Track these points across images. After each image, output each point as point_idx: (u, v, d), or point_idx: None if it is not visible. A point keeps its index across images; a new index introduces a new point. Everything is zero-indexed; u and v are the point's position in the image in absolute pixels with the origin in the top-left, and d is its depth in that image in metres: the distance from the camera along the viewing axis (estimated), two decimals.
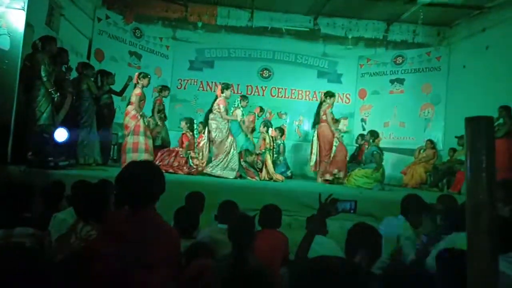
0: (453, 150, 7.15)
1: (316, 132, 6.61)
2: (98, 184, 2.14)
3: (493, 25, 7.15)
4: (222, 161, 5.66)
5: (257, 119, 7.13)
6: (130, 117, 5.69)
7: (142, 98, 5.80)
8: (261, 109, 7.45)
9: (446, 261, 2.04)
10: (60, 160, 4.40)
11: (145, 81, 5.85)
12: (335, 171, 6.33)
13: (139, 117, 5.71)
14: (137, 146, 5.62)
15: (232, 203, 2.90)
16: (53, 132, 4.47)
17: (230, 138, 5.80)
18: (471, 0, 7.03)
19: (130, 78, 6.25)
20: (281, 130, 7.73)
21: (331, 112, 6.46)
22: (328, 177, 6.35)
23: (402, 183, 7.43)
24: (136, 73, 6.04)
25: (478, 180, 1.67)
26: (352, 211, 2.03)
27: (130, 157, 5.53)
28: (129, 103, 5.83)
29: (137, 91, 5.79)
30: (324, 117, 6.43)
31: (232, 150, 5.71)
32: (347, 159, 6.64)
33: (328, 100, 6.51)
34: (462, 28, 8.14)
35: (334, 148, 6.39)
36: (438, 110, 8.39)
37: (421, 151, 7.60)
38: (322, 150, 6.44)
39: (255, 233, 2.17)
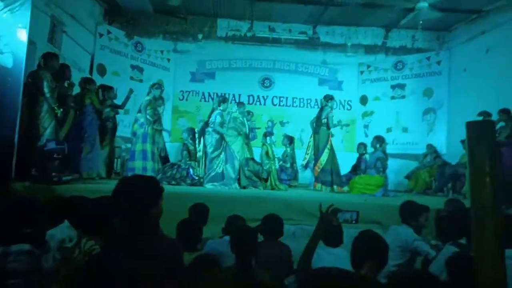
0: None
1: (313, 135, 6.59)
2: (98, 199, 2.15)
3: (492, 28, 7.18)
4: (217, 176, 5.70)
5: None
6: (139, 124, 5.82)
7: (150, 106, 5.91)
8: (248, 113, 7.34)
9: (457, 266, 2.02)
10: (64, 175, 4.41)
11: (156, 92, 6.04)
12: (318, 185, 6.24)
13: (147, 123, 5.83)
14: (146, 154, 5.71)
15: (239, 217, 2.90)
16: (56, 147, 4.49)
17: (225, 152, 5.81)
18: (469, 4, 7.07)
19: (131, 91, 6.33)
20: (290, 138, 7.72)
21: (332, 116, 6.43)
22: (318, 187, 6.29)
23: (407, 189, 7.39)
24: (151, 84, 6.27)
25: (481, 184, 1.65)
26: (354, 222, 2.01)
27: (138, 164, 5.69)
28: (139, 110, 6.01)
29: (147, 97, 5.97)
30: (324, 121, 6.40)
31: (228, 162, 5.74)
32: (339, 167, 6.51)
33: (329, 104, 6.50)
34: (461, 32, 8.18)
35: (326, 152, 6.31)
36: (441, 114, 8.37)
37: (427, 156, 7.56)
38: (316, 154, 6.41)
39: (257, 244, 2.16)
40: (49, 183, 4.13)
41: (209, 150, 5.83)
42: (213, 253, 2.33)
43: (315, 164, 6.33)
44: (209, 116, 6.06)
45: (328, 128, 6.35)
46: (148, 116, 5.88)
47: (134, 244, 1.46)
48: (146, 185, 1.60)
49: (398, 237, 2.89)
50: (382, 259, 1.91)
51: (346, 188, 6.23)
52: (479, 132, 1.67)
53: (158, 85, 6.19)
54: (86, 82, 5.72)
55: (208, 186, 5.70)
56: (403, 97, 8.86)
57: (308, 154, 6.55)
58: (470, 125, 1.70)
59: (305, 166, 6.69)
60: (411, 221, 3.00)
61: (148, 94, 6.08)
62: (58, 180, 4.24)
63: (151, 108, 5.94)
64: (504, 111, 5.86)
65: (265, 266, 2.39)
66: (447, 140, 8.13)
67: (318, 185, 6.28)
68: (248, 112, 7.30)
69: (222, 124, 5.84)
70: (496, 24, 7.07)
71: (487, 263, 1.52)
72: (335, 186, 6.19)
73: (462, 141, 6.64)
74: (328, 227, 2.06)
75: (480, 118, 5.79)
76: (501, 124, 5.83)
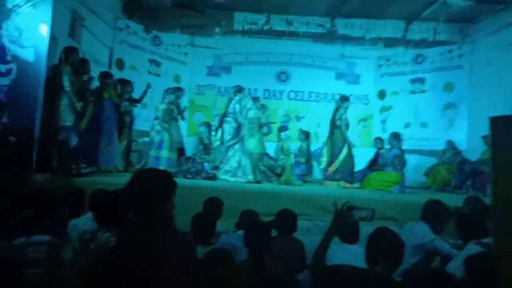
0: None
1: (329, 137, 6.54)
2: (115, 192, 2.18)
3: None
4: (234, 164, 5.73)
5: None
6: (155, 131, 5.90)
7: (167, 113, 6.00)
8: (262, 106, 7.14)
9: (479, 265, 1.98)
10: (82, 167, 4.51)
11: (171, 97, 6.09)
12: (342, 182, 6.19)
13: (164, 131, 5.91)
14: (159, 160, 5.81)
15: (253, 212, 2.90)
16: (76, 140, 4.60)
17: (241, 143, 5.82)
18: None
19: (149, 85, 6.40)
20: (306, 133, 7.66)
21: (346, 118, 6.36)
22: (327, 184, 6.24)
23: (426, 185, 7.24)
24: (165, 89, 6.33)
25: (504, 178, 1.61)
26: (369, 219, 1.98)
27: None
28: (155, 117, 6.08)
29: (162, 106, 6.02)
30: (338, 122, 6.35)
31: (243, 152, 5.76)
32: (353, 168, 6.44)
33: (343, 105, 6.43)
34: (485, 24, 7.88)
35: (343, 154, 6.24)
36: (462, 110, 8.13)
37: (446, 153, 7.39)
38: (332, 155, 6.35)
39: (270, 239, 2.15)
40: (69, 175, 4.23)
41: (226, 138, 5.87)
42: (226, 248, 2.34)
43: (329, 165, 6.30)
44: (227, 107, 6.09)
45: (341, 129, 6.31)
46: (166, 125, 5.94)
47: (147, 237, 1.48)
48: (159, 179, 1.61)
49: (415, 235, 2.82)
50: (397, 257, 1.87)
51: (356, 185, 6.17)
52: (503, 127, 1.63)
53: (172, 90, 6.24)
54: (105, 76, 5.80)
55: (223, 177, 5.74)
56: (423, 91, 8.64)
57: (325, 157, 6.51)
58: (494, 120, 1.65)
59: (324, 169, 6.66)
60: (431, 222, 2.91)
61: (163, 100, 6.09)
62: (77, 173, 4.35)
63: (168, 116, 6.00)
64: None
65: (278, 261, 2.39)
66: (468, 136, 7.90)
67: (327, 183, 6.26)
68: (262, 106, 7.24)
69: (240, 111, 5.89)
70: None
71: (508, 258, 1.49)
72: (341, 182, 6.15)
73: (484, 137, 6.45)
74: (343, 224, 2.04)
75: None
76: None
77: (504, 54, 7.09)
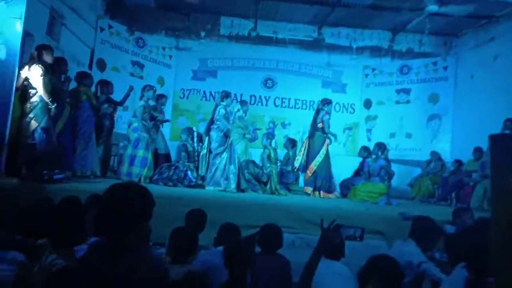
0: (458, 162, 6.91)
1: (308, 138, 6.40)
2: (65, 202, 1.90)
3: (501, 35, 7.01)
4: (219, 173, 5.52)
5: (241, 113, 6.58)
6: (132, 129, 5.68)
7: (145, 111, 5.80)
8: (244, 103, 6.91)
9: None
10: (55, 173, 4.23)
11: (149, 94, 5.90)
12: (309, 189, 6.08)
13: (141, 129, 5.67)
14: (134, 159, 5.56)
15: (234, 226, 2.71)
16: (48, 143, 4.32)
17: (229, 150, 5.62)
18: (479, 9, 6.89)
19: (131, 88, 6.17)
20: (292, 141, 7.53)
21: (328, 119, 6.25)
22: (308, 190, 6.13)
23: (410, 196, 7.22)
24: (143, 86, 6.10)
25: (505, 199, 1.54)
26: (358, 239, 1.86)
27: (126, 169, 5.54)
28: (134, 114, 5.84)
29: (141, 103, 5.83)
30: (320, 125, 6.22)
31: (230, 160, 5.56)
32: (330, 175, 6.31)
33: (325, 108, 6.31)
34: (469, 38, 8.01)
35: (320, 157, 6.11)
36: (446, 121, 8.20)
37: (431, 164, 7.38)
38: (309, 158, 6.22)
39: (253, 259, 1.99)
40: (39, 181, 3.95)
41: (214, 146, 5.65)
42: (205, 267, 2.16)
43: (307, 168, 6.17)
44: (213, 113, 5.89)
45: (324, 132, 6.18)
46: (144, 122, 5.72)
47: (113, 261, 1.29)
48: (144, 196, 1.44)
49: (402, 256, 2.67)
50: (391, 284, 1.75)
51: (334, 194, 6.08)
52: (504, 146, 1.57)
53: (149, 87, 6.03)
54: (82, 76, 5.51)
55: (208, 186, 5.53)
56: (408, 102, 8.69)
57: (301, 156, 6.36)
58: (494, 138, 1.59)
59: (298, 169, 6.51)
60: (420, 240, 2.77)
61: (141, 98, 5.91)
62: (49, 179, 4.06)
63: (146, 113, 5.80)
64: (511, 120, 5.75)
65: (262, 280, 2.23)
66: (451, 147, 7.96)
67: (309, 189, 6.13)
68: (244, 102, 6.96)
69: (226, 117, 5.66)
70: (505, 31, 6.91)
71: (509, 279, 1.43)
72: (321, 192, 6.03)
73: (478, 149, 6.39)
74: (330, 244, 1.90)
75: (507, 124, 5.71)
76: (507, 132, 5.70)
77: (486, 67, 7.20)
